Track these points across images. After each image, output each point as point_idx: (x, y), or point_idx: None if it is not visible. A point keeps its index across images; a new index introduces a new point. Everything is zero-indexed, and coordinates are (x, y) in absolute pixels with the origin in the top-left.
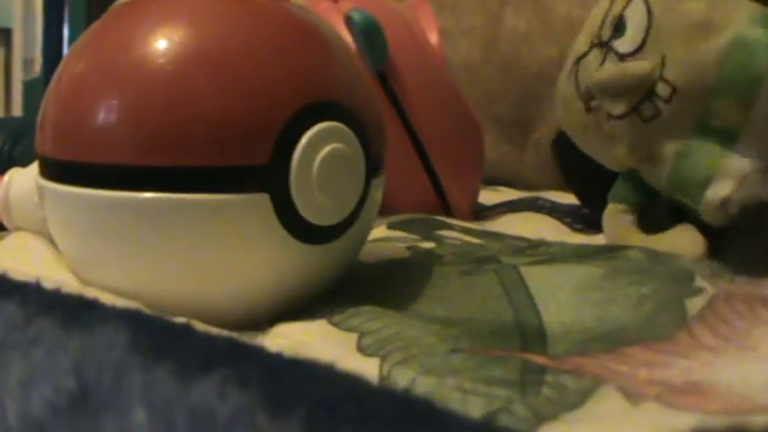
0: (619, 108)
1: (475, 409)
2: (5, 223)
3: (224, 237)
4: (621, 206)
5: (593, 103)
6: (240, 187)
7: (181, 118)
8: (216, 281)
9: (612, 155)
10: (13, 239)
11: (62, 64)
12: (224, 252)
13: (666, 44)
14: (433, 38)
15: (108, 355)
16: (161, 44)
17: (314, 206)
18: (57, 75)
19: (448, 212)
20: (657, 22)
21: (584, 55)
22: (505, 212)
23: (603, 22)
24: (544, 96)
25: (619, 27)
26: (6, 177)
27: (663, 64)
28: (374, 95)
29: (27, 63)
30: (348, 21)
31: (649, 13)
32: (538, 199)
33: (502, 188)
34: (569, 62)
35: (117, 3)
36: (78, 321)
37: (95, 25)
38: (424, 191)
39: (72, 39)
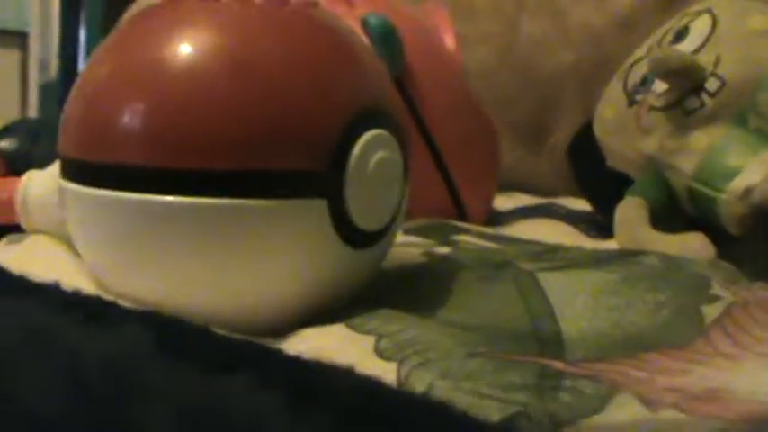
0: (663, 98)
1: (492, 413)
2: (24, 224)
3: (274, 242)
4: (637, 199)
5: (639, 97)
6: (298, 193)
7: (236, 122)
8: (255, 289)
9: (641, 149)
10: (31, 243)
11: (87, 66)
12: (271, 259)
13: (724, 46)
14: (450, 42)
15: (134, 353)
16: (204, 49)
17: (364, 211)
18: (82, 77)
19: (463, 217)
20: (720, 30)
21: (640, 59)
22: (520, 218)
23: (667, 32)
24: (560, 103)
25: (681, 34)
26: (25, 179)
27: (717, 62)
28: (399, 102)
29: (43, 66)
30: (364, 25)
31: (714, 23)
32: (553, 205)
33: (517, 194)
34: (624, 66)
35: (142, 6)
36: (101, 321)
37: (122, 29)
38: (439, 196)
39: (89, 42)
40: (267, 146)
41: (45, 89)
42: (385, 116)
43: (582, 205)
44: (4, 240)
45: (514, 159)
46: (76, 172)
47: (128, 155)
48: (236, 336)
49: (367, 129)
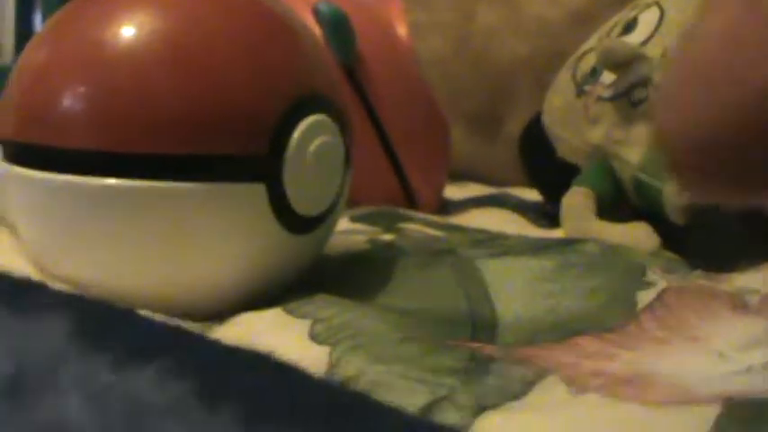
0: (610, 89)
1: (419, 397)
2: None
3: (212, 226)
4: (584, 189)
5: (587, 88)
6: (237, 177)
7: (173, 105)
8: (193, 272)
9: (589, 139)
10: None
11: (28, 48)
12: (209, 242)
13: (671, 38)
14: (402, 31)
15: (48, 341)
16: (143, 32)
17: (303, 197)
18: (23, 59)
19: (413, 206)
20: (667, 22)
21: (589, 50)
22: (471, 207)
23: (616, 24)
24: (515, 93)
25: (630, 26)
26: None
27: (664, 54)
28: (341, 88)
29: None
30: (316, 13)
31: (662, 16)
32: (504, 195)
33: (470, 183)
34: (573, 57)
35: None
36: (21, 306)
37: (65, 12)
38: (389, 184)
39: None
40: (205, 130)
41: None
42: (326, 101)
43: (533, 195)
44: None
45: (468, 149)
46: (15, 154)
47: (66, 138)
48: (157, 319)
49: (307, 114)
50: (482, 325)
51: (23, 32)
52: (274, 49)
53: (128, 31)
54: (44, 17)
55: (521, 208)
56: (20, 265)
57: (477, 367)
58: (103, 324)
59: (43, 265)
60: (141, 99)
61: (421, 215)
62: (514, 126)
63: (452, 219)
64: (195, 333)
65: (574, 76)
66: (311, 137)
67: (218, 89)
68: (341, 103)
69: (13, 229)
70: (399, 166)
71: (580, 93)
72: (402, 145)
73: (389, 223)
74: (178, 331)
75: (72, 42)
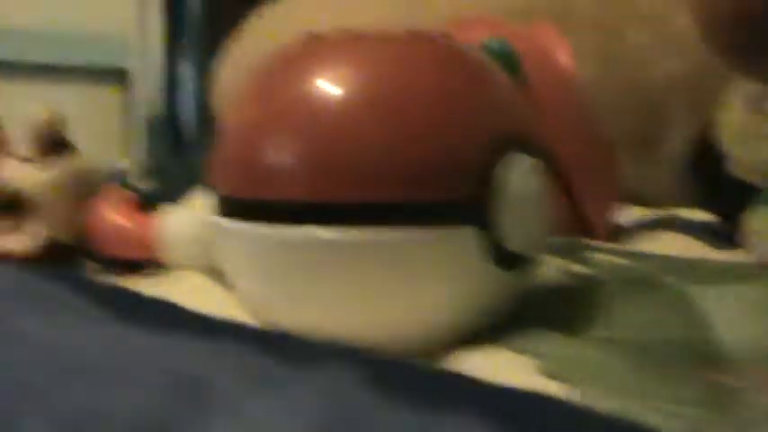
0: None
1: (671, 428)
2: (164, 259)
3: (427, 270)
4: (766, 208)
5: (763, 104)
6: (448, 221)
7: (385, 156)
8: (409, 315)
9: (765, 156)
10: (176, 278)
11: (237, 105)
12: (424, 285)
13: None
14: (563, 58)
15: (341, 391)
16: (348, 86)
17: (513, 234)
18: (233, 116)
19: (587, 234)
20: None
21: None
22: (643, 232)
23: None
24: (669, 113)
25: None
26: (162, 215)
27: None
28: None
29: (146, 103)
30: (486, 50)
31: None
32: (671, 217)
33: (631, 207)
34: None
35: (288, 45)
36: (300, 359)
37: (268, 69)
38: (564, 213)
39: (193, 77)
40: (414, 177)
41: (149, 126)
42: (526, 140)
43: (698, 216)
44: (147, 276)
45: (624, 172)
46: (232, 209)
47: (280, 190)
48: (438, 369)
49: (512, 154)
50: (706, 353)
51: (172, 85)
52: (474, 92)
53: (333, 85)
54: (193, 70)
55: (691, 230)
56: (237, 316)
57: (720, 396)
58: (390, 371)
59: (261, 316)
60: (352, 150)
61: (604, 244)
62: (670, 146)
63: (630, 245)
64: (479, 379)
65: (746, 92)
66: (517, 176)
67: (423, 136)
68: (539, 140)
69: (227, 282)
70: (572, 194)
71: (755, 108)
72: (573, 173)
73: (576, 254)
74: (462, 376)
75: (280, 98)
